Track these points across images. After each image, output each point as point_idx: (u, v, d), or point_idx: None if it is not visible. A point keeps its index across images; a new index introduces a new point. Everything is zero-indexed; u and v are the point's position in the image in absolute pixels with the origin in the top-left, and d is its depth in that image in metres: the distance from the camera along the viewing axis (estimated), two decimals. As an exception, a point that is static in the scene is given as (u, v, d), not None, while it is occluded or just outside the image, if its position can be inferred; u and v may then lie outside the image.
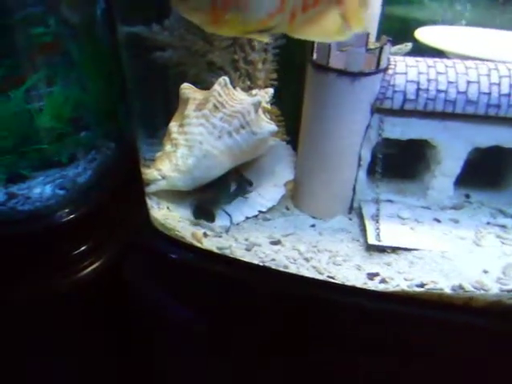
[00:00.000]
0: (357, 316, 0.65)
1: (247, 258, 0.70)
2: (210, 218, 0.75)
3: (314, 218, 0.80)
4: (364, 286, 0.65)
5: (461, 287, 0.64)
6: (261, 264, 0.69)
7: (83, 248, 0.75)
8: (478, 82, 0.71)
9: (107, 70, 0.85)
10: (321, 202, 0.80)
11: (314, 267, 0.69)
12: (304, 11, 0.54)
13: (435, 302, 0.63)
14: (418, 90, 0.72)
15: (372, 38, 0.73)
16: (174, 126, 0.78)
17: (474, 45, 0.84)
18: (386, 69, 0.72)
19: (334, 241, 0.74)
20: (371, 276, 0.67)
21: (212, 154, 0.76)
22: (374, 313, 0.64)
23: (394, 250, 0.71)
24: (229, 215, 0.76)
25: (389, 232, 0.73)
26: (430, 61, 0.74)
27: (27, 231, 0.72)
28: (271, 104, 0.86)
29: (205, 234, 0.73)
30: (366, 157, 0.76)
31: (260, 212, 0.79)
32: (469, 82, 0.71)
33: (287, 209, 0.82)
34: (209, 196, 0.77)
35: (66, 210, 0.73)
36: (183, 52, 0.86)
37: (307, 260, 0.70)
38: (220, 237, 0.74)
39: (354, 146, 0.75)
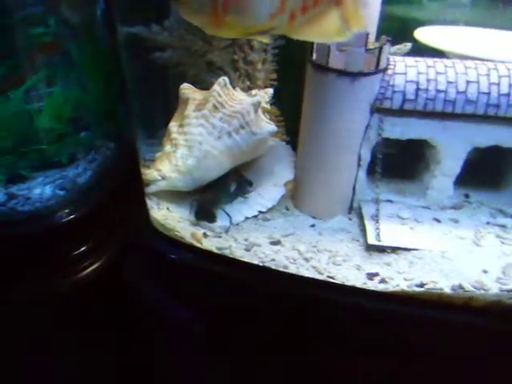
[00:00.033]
0: (356, 316, 0.65)
1: (247, 258, 0.70)
2: (211, 218, 0.75)
3: (313, 218, 0.80)
4: (364, 286, 0.65)
5: (460, 287, 0.64)
6: (260, 264, 0.69)
7: (83, 248, 0.75)
8: (478, 82, 0.71)
9: (107, 71, 0.85)
10: (320, 202, 0.80)
11: (313, 267, 0.69)
12: (303, 12, 0.54)
13: (435, 302, 0.63)
14: (418, 89, 0.72)
15: (371, 38, 0.72)
16: (173, 126, 0.78)
17: (474, 45, 0.84)
18: (386, 69, 0.72)
19: (334, 241, 0.74)
20: (371, 276, 0.67)
21: (212, 154, 0.76)
22: (373, 313, 0.64)
23: (394, 249, 0.71)
24: (228, 215, 0.76)
25: (388, 232, 0.73)
26: (429, 61, 0.74)
27: (27, 232, 0.72)
28: (271, 104, 0.86)
29: (204, 235, 0.73)
30: (366, 157, 0.76)
31: (260, 212, 0.79)
32: (468, 82, 0.71)
33: (287, 209, 0.82)
34: (209, 196, 0.77)
35: (66, 211, 0.73)
36: (183, 52, 0.86)
37: (307, 260, 0.70)
38: (220, 237, 0.74)
39: (354, 146, 0.75)
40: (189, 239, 0.72)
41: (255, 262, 0.69)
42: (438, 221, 0.77)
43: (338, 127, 0.74)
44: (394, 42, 0.74)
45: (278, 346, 0.68)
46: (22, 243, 0.72)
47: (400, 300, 0.64)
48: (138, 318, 0.79)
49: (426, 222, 0.77)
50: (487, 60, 0.75)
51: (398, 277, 0.67)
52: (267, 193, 0.81)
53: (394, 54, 0.78)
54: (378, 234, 0.73)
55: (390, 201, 0.81)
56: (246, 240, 0.73)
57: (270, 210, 0.80)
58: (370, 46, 0.70)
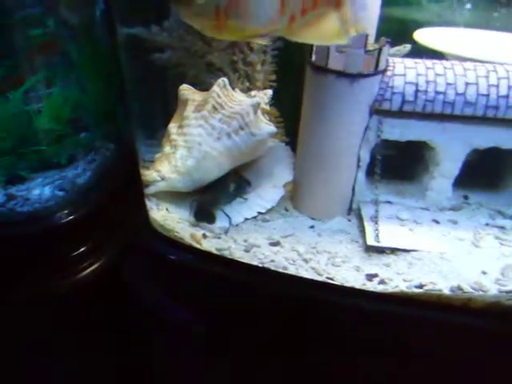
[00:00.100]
0: (356, 317, 0.65)
1: (246, 259, 0.70)
2: (211, 219, 0.75)
3: (312, 219, 0.80)
4: (363, 287, 0.65)
5: (459, 288, 0.64)
6: (260, 265, 0.69)
7: (82, 249, 0.75)
8: (477, 84, 0.71)
9: (106, 71, 0.85)
10: (320, 203, 0.80)
11: (312, 268, 0.69)
12: (303, 14, 0.54)
13: (434, 303, 0.63)
14: (417, 91, 0.72)
15: (371, 40, 0.72)
16: (173, 127, 0.78)
17: (473, 46, 0.85)
18: (385, 70, 0.72)
19: (333, 242, 0.74)
20: (370, 277, 0.67)
21: (211, 155, 0.76)
22: (372, 314, 0.64)
23: (393, 251, 0.71)
24: (228, 216, 0.76)
25: (388, 233, 0.73)
26: (428, 62, 0.74)
27: (26, 232, 0.72)
28: (270, 105, 0.86)
29: (204, 235, 0.73)
30: (365, 158, 0.76)
31: (259, 213, 0.79)
32: (467, 84, 0.72)
33: (286, 210, 0.82)
34: (208, 197, 0.77)
35: (65, 212, 0.73)
36: (182, 53, 0.86)
37: (306, 261, 0.70)
38: (219, 238, 0.74)
39: (353, 147, 0.75)
40: (188, 240, 0.72)
41: (254, 263, 0.69)
42: (437, 222, 0.77)
43: (337, 128, 0.74)
44: (393, 44, 0.75)
45: (278, 347, 0.68)
46: (21, 244, 0.72)
47: (399, 301, 0.64)
48: (138, 318, 0.79)
49: (425, 223, 0.77)
50: (486, 62, 0.75)
51: (397, 278, 0.67)
52: (266, 194, 0.82)
53: (394, 55, 0.78)
54: (377, 235, 0.73)
55: (389, 202, 0.81)
56: (245, 241, 0.73)
57: (269, 211, 0.80)
58: (370, 48, 0.70)
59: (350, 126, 0.73)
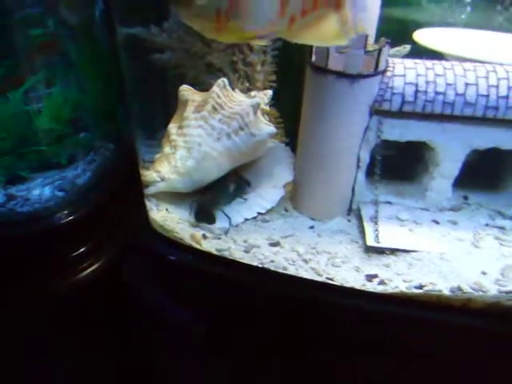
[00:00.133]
0: (355, 317, 0.65)
1: (246, 259, 0.70)
2: (211, 219, 0.75)
3: (312, 219, 0.80)
4: (363, 288, 0.65)
5: (459, 289, 0.64)
6: (260, 266, 0.69)
7: (82, 249, 0.75)
8: (477, 84, 0.71)
9: (106, 72, 0.85)
10: (320, 203, 0.80)
11: (312, 269, 0.69)
12: (303, 16, 0.54)
13: (434, 304, 0.63)
14: (417, 91, 0.72)
15: (371, 40, 0.73)
16: (172, 127, 0.78)
17: (473, 47, 0.85)
18: (385, 71, 0.72)
19: (333, 242, 0.74)
20: (370, 277, 0.67)
21: (211, 155, 0.76)
22: (372, 314, 0.64)
23: (393, 251, 0.71)
24: (228, 217, 0.76)
25: (387, 233, 0.73)
26: (428, 63, 0.74)
27: (26, 233, 0.72)
28: (270, 106, 0.86)
29: (204, 236, 0.73)
30: (365, 158, 0.76)
31: (259, 214, 0.79)
32: (467, 84, 0.72)
33: (286, 210, 0.82)
34: (208, 198, 0.77)
35: (65, 212, 0.73)
36: (182, 54, 0.86)
37: (306, 261, 0.70)
38: (219, 238, 0.74)
39: (353, 148, 0.75)
40: (188, 240, 0.72)
41: (254, 263, 0.69)
42: (437, 222, 0.77)
43: (337, 129, 0.74)
44: (393, 44, 0.75)
45: (278, 347, 0.68)
46: (20, 244, 0.72)
47: (399, 302, 0.64)
48: (137, 319, 0.79)
49: (424, 223, 0.77)
50: (486, 62, 0.75)
51: (396, 278, 0.67)
52: (266, 194, 0.82)
53: (393, 56, 0.78)
54: (377, 236, 0.73)
55: (388, 202, 0.81)
56: (245, 241, 0.73)
57: (269, 211, 0.80)
58: (369, 48, 0.70)
59: (349, 127, 0.74)
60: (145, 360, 0.81)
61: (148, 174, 0.76)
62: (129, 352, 0.82)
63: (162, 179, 0.75)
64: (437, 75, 0.72)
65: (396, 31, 0.83)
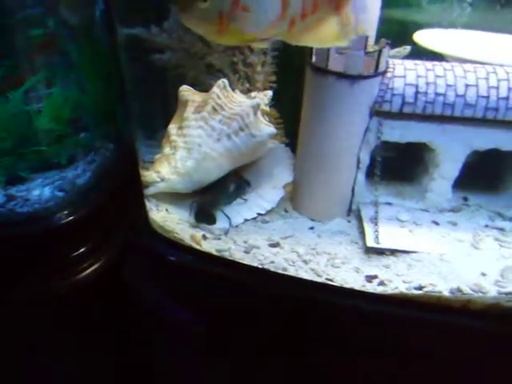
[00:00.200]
0: (355, 318, 0.65)
1: (246, 260, 0.70)
2: (211, 220, 0.75)
3: (312, 220, 0.80)
4: (362, 289, 0.65)
5: (459, 290, 0.64)
6: (260, 266, 0.69)
7: (82, 250, 0.75)
8: (477, 86, 0.71)
9: (106, 72, 0.85)
10: (319, 204, 0.80)
11: (312, 269, 0.69)
12: (303, 18, 0.54)
13: (433, 305, 0.63)
14: (417, 93, 0.72)
15: (371, 41, 0.72)
16: (172, 128, 0.78)
17: (473, 48, 0.85)
18: (385, 72, 0.72)
19: (333, 243, 0.74)
20: (370, 278, 0.67)
21: (211, 156, 0.76)
22: (372, 315, 0.64)
23: (393, 252, 0.72)
24: (228, 217, 0.76)
25: (387, 234, 0.73)
26: (428, 64, 0.74)
27: (26, 233, 0.72)
28: (270, 106, 0.86)
29: (204, 237, 0.73)
30: (365, 159, 0.76)
31: (259, 214, 0.79)
32: (467, 86, 0.72)
33: (286, 211, 0.82)
34: (208, 198, 0.77)
35: (65, 212, 0.73)
36: (182, 54, 0.86)
37: (306, 262, 0.70)
38: (219, 239, 0.74)
39: (353, 149, 0.75)
40: (188, 241, 0.72)
41: (254, 264, 0.69)
42: (437, 223, 0.77)
43: (337, 130, 0.74)
44: (393, 45, 0.75)
45: (277, 347, 0.68)
46: (20, 244, 0.72)
47: (398, 302, 0.64)
48: (137, 319, 0.79)
49: (424, 224, 0.77)
50: (486, 63, 0.75)
51: (396, 279, 0.67)
52: (266, 195, 0.82)
53: (394, 57, 0.78)
54: (377, 237, 0.73)
55: (388, 203, 0.81)
56: (245, 242, 0.73)
57: (269, 212, 0.80)
58: (370, 49, 0.70)
59: (349, 128, 0.74)
60: (145, 360, 0.81)
61: (148, 175, 0.76)
62: (129, 352, 0.82)
63: (162, 180, 0.75)
64: (437, 76, 0.72)
65: (396, 32, 0.83)
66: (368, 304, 0.64)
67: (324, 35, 0.56)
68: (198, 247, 0.71)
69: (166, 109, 0.85)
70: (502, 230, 0.76)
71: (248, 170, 0.85)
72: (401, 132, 0.75)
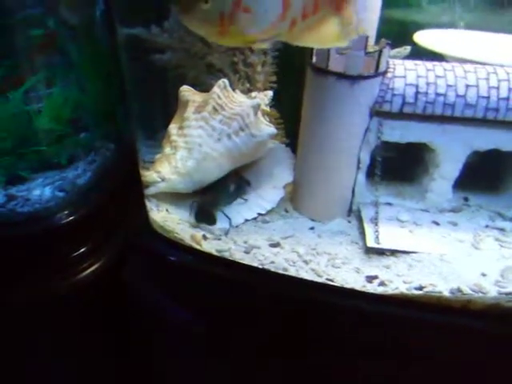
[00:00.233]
0: (355, 319, 0.65)
1: (246, 260, 0.70)
2: (211, 220, 0.75)
3: (313, 220, 0.80)
4: (363, 289, 0.65)
5: (459, 290, 0.64)
6: (260, 266, 0.69)
7: (82, 250, 0.76)
8: (477, 86, 0.71)
9: (106, 72, 0.85)
10: (320, 204, 0.80)
11: (312, 270, 0.69)
12: (304, 19, 0.54)
13: (434, 305, 0.63)
14: (417, 93, 0.72)
15: (371, 42, 0.72)
16: (173, 128, 0.78)
17: (473, 48, 0.85)
18: (385, 72, 0.72)
19: (333, 243, 0.74)
20: (370, 279, 0.67)
21: (211, 156, 0.76)
22: (372, 315, 0.64)
23: (393, 252, 0.71)
24: (228, 218, 0.76)
25: (388, 235, 0.73)
26: (428, 64, 0.74)
27: (26, 233, 0.72)
28: (270, 107, 0.86)
29: (204, 237, 0.73)
30: (365, 160, 0.76)
31: (259, 214, 0.79)
32: (468, 86, 0.72)
33: (286, 211, 0.82)
34: (208, 198, 0.77)
35: (66, 212, 0.73)
36: (182, 54, 0.86)
37: (306, 262, 0.70)
38: (219, 239, 0.74)
39: (353, 149, 0.75)
40: (188, 241, 0.72)
41: (255, 264, 0.69)
42: (437, 224, 0.77)
43: (338, 130, 0.74)
44: (393, 46, 0.74)
45: (277, 348, 0.68)
46: (21, 244, 0.72)
47: (399, 303, 0.64)
48: (138, 319, 0.79)
49: (425, 224, 0.77)
50: (486, 64, 0.75)
51: (397, 280, 0.67)
52: (267, 195, 0.81)
53: (394, 57, 0.78)
54: (377, 237, 0.73)
55: (389, 203, 0.81)
56: (245, 242, 0.73)
57: (269, 212, 0.80)
58: (370, 50, 0.70)
59: (350, 128, 0.74)
60: (145, 360, 0.81)
61: (148, 175, 0.76)
62: (129, 352, 0.82)
63: (163, 180, 0.75)
64: (437, 76, 0.72)
65: (396, 32, 0.83)
66: (368, 304, 0.64)
67: (325, 35, 0.56)
68: (198, 247, 0.71)
69: (166, 109, 0.85)
70: (502, 230, 0.76)
71: (248, 170, 0.85)
72: (401, 132, 0.75)
